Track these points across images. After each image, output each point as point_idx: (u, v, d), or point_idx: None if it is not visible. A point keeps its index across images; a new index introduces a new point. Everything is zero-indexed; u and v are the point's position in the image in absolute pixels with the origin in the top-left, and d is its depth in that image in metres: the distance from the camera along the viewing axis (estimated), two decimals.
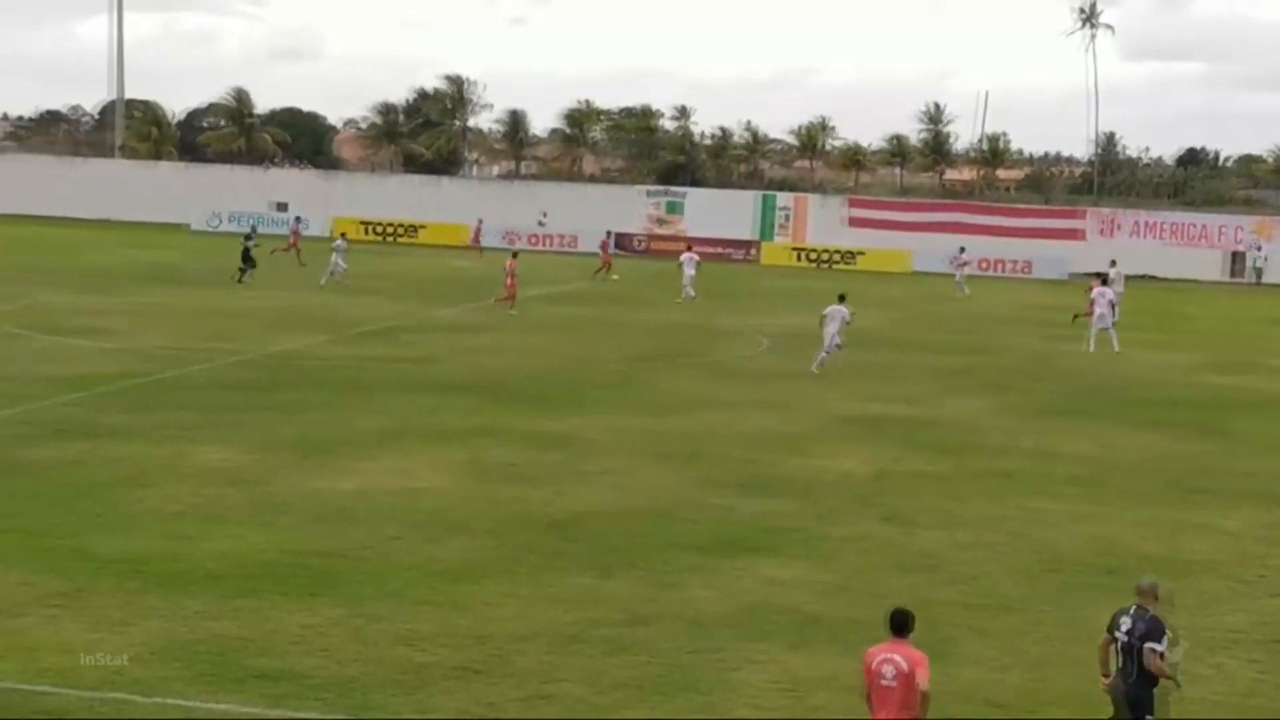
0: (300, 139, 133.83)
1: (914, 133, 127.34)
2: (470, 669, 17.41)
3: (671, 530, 24.32)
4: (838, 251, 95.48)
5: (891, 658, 13.45)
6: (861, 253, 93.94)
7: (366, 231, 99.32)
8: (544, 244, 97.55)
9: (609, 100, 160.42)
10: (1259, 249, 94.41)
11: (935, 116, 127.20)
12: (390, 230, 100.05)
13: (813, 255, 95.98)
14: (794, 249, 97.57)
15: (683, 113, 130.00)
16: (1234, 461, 32.72)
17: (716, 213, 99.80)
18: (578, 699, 16.67)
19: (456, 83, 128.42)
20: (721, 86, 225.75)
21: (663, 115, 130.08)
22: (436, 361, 42.92)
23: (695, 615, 19.79)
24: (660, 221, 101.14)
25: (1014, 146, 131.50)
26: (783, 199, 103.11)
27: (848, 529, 24.94)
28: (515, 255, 60.92)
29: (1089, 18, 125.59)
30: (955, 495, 27.87)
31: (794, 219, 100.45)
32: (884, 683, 13.35)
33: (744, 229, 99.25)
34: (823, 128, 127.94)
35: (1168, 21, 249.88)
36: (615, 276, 73.47)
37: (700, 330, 54.07)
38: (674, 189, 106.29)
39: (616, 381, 40.52)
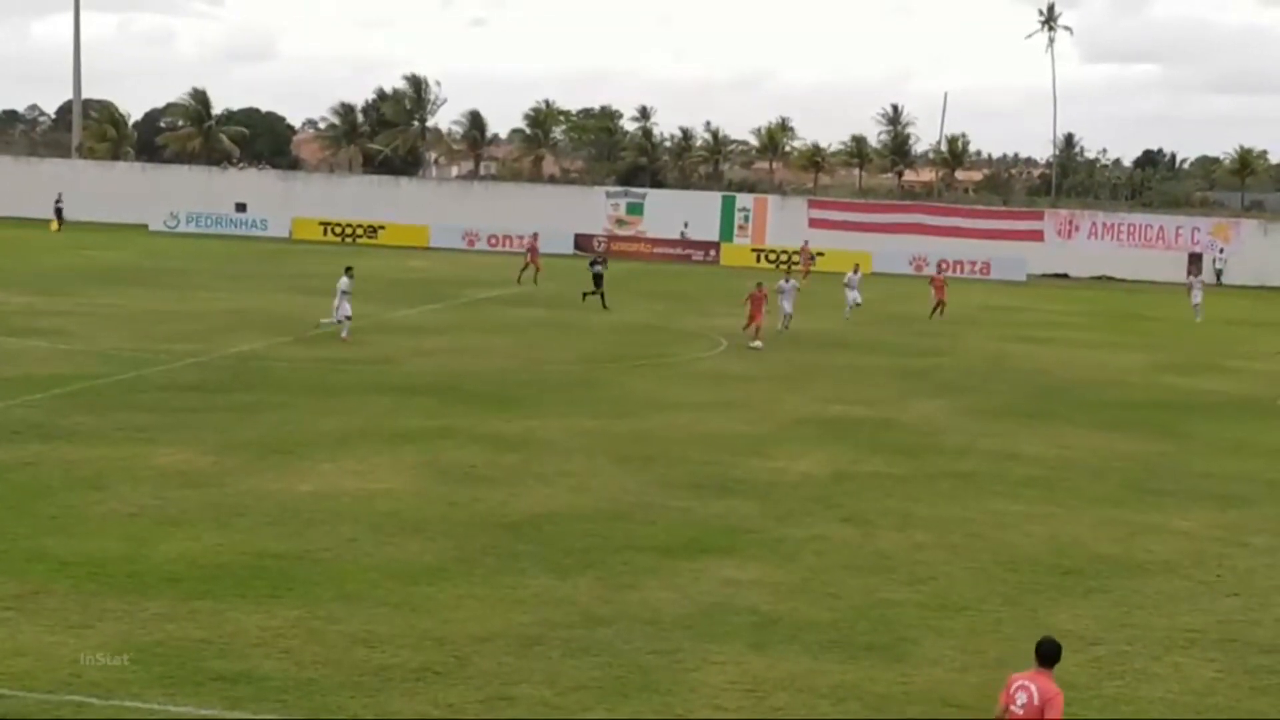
0: (259, 139, 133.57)
1: (874, 134, 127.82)
2: (430, 670, 17.38)
3: (630, 531, 24.33)
4: (798, 252, 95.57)
5: (1028, 686, 13.30)
6: (821, 254, 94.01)
7: (326, 232, 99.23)
8: (504, 245, 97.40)
9: (570, 101, 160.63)
10: (1220, 251, 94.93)
11: (895, 118, 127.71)
12: (349, 231, 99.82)
13: (772, 256, 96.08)
14: (754, 250, 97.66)
15: (644, 114, 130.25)
16: (1191, 462, 32.88)
17: (677, 214, 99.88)
18: (538, 700, 16.65)
19: (416, 83, 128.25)
20: (683, 87, 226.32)
21: (624, 116, 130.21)
22: (395, 363, 42.84)
23: (654, 616, 19.79)
24: (620, 222, 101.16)
25: (973, 148, 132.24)
26: (743, 200, 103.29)
27: (806, 530, 24.98)
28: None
29: (1048, 20, 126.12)
30: (914, 496, 27.95)
31: (754, 220, 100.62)
32: (1015, 709, 13.27)
33: (704, 230, 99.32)
34: (783, 129, 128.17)
35: (1127, 24, 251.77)
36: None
37: (659, 331, 54.10)
38: (635, 190, 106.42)
39: (575, 383, 40.51)
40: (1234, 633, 20.26)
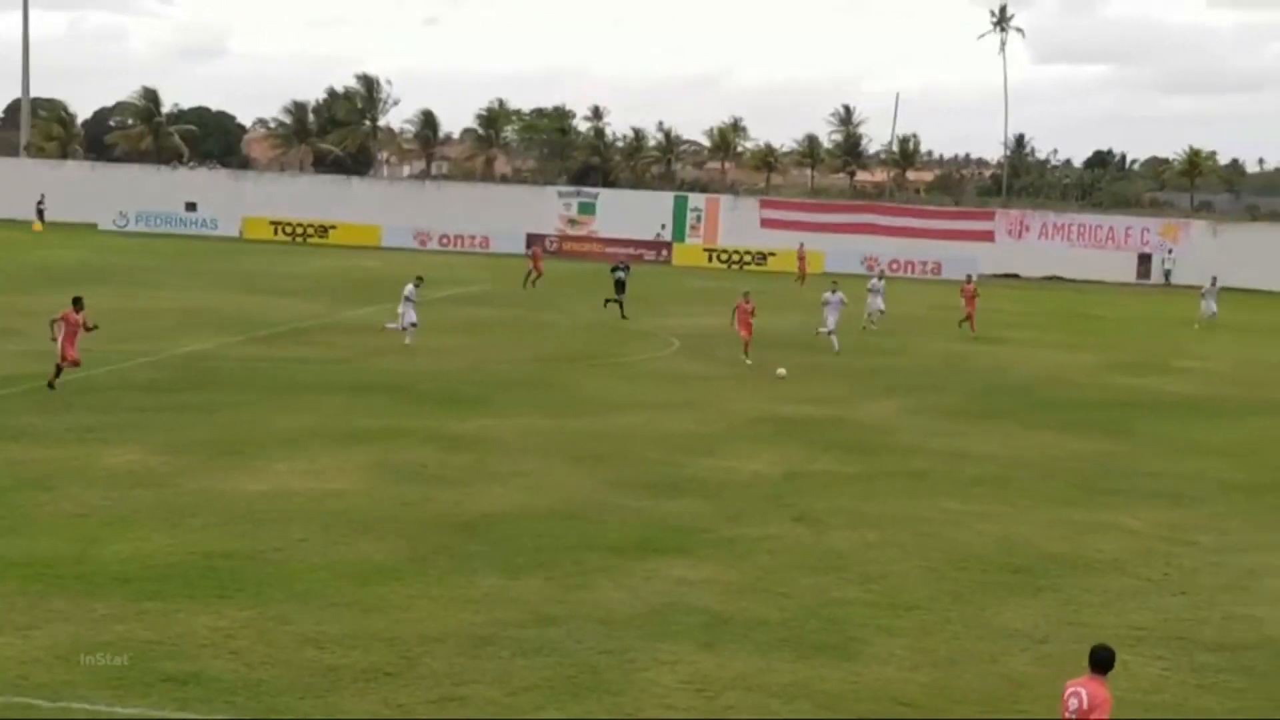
0: (210, 138, 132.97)
1: (826, 134, 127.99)
2: (381, 671, 17.34)
3: (582, 531, 24.33)
4: (749, 252, 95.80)
5: (1079, 691, 13.49)
6: (773, 253, 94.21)
7: (276, 232, 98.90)
8: (455, 244, 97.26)
9: (522, 101, 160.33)
10: (1169, 251, 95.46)
11: (847, 118, 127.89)
12: (301, 230, 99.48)
13: (724, 256, 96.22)
14: (706, 250, 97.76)
15: (596, 113, 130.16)
16: (1139, 462, 33.07)
17: (629, 214, 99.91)
18: (489, 700, 16.64)
19: (367, 82, 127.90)
20: (636, 88, 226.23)
21: (577, 116, 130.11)
22: (347, 362, 42.74)
23: (605, 616, 19.80)
24: (572, 222, 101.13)
25: (925, 148, 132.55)
26: (695, 200, 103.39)
27: (758, 529, 25.02)
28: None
29: (1000, 21, 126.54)
30: (865, 495, 28.03)
31: (706, 220, 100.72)
32: (1068, 715, 13.45)
33: (656, 229, 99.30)
34: (736, 129, 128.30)
35: (1078, 25, 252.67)
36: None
37: (612, 331, 54.09)
38: (586, 189, 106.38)
39: (528, 382, 40.49)
40: (1181, 631, 20.39)
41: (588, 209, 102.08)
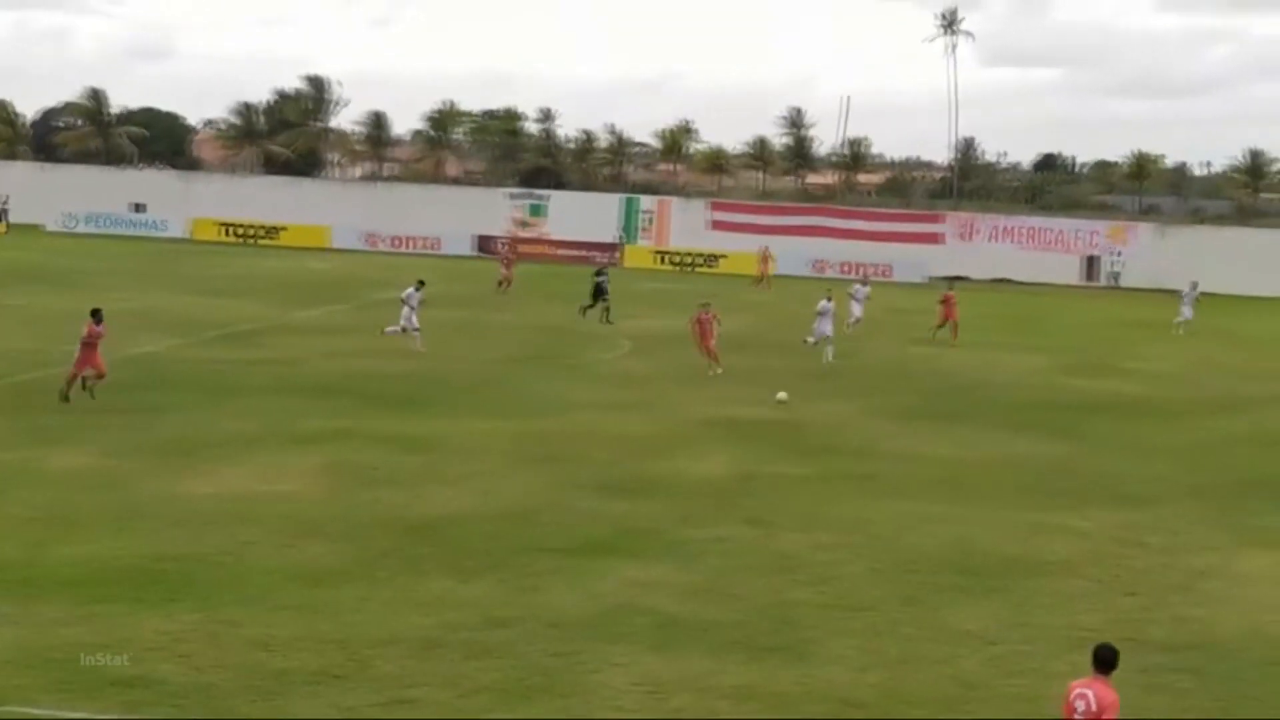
0: (158, 139, 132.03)
1: (776, 137, 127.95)
2: (330, 674, 17.28)
3: (533, 533, 24.29)
4: (700, 254, 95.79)
5: (1085, 693, 13.59)
6: (724, 255, 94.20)
7: (226, 233, 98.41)
8: (406, 246, 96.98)
9: (473, 102, 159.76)
10: (1118, 254, 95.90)
11: (797, 121, 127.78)
12: (250, 232, 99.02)
13: (675, 258, 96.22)
14: (657, 252, 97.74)
15: (547, 115, 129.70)
16: (1090, 463, 33.21)
17: (580, 215, 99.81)
18: (438, 703, 16.60)
19: (317, 83, 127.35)
20: (587, 90, 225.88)
21: (527, 118, 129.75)
22: (298, 364, 42.57)
23: (556, 618, 19.77)
24: (523, 224, 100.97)
25: (875, 151, 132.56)
26: (646, 202, 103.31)
27: (710, 531, 25.03)
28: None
29: (950, 24, 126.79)
30: (817, 497, 28.07)
31: (657, 222, 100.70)
32: (1076, 717, 13.53)
33: (607, 232, 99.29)
34: (686, 131, 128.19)
35: (1026, 28, 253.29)
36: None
37: (563, 333, 54.02)
38: (537, 191, 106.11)
39: (480, 384, 40.41)
40: (1130, 632, 20.45)
41: (538, 211, 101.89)
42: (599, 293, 58.54)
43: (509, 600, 20.51)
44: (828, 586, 22.07)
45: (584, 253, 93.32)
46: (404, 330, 46.55)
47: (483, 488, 27.48)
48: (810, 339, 49.79)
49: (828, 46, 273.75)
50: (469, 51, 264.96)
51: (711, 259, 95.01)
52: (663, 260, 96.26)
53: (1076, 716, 13.48)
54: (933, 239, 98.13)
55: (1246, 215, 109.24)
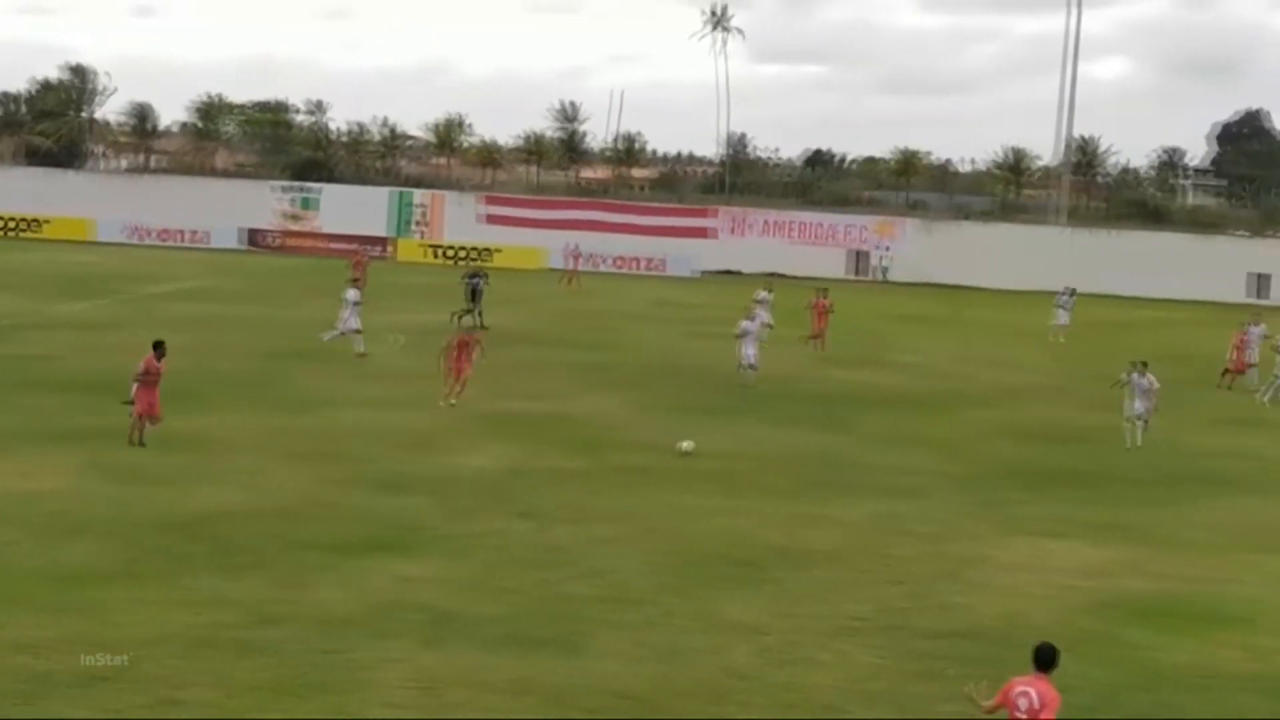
0: None
1: (550, 131, 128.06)
2: (95, 676, 16.93)
3: (302, 530, 24.06)
4: (474, 249, 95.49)
5: (1028, 691, 13.76)
6: (498, 249, 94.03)
7: None
8: (175, 239, 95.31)
9: (244, 94, 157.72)
10: (886, 249, 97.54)
11: (570, 115, 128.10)
12: (11, 224, 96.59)
13: (449, 252, 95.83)
14: (430, 246, 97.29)
15: (318, 107, 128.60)
16: (857, 455, 33.76)
17: (351, 209, 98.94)
18: (208, 703, 16.35)
19: (80, 73, 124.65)
20: (358, 81, 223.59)
21: (297, 110, 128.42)
22: (59, 359, 41.62)
23: (326, 615, 19.60)
24: (293, 217, 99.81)
25: (648, 146, 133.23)
26: (419, 196, 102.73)
27: (481, 525, 25.01)
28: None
29: (719, 21, 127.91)
30: (590, 490, 28.17)
31: (430, 216, 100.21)
32: (1018, 715, 13.67)
33: (379, 226, 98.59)
34: (459, 125, 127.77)
35: (795, 25, 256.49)
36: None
37: (333, 328, 53.39)
38: (308, 185, 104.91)
39: (247, 380, 39.87)
40: (897, 620, 20.84)
41: (310, 204, 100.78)
42: (474, 295, 56.97)
43: (279, 598, 20.28)
44: (600, 579, 22.16)
45: (357, 245, 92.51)
46: (343, 334, 45.71)
47: (251, 484, 27.16)
48: (745, 363, 44.71)
49: (599, 40, 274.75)
50: (238, 41, 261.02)
51: (485, 253, 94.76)
52: (436, 254, 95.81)
53: (1019, 714, 13.72)
54: (704, 233, 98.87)
55: (1009, 211, 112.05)
